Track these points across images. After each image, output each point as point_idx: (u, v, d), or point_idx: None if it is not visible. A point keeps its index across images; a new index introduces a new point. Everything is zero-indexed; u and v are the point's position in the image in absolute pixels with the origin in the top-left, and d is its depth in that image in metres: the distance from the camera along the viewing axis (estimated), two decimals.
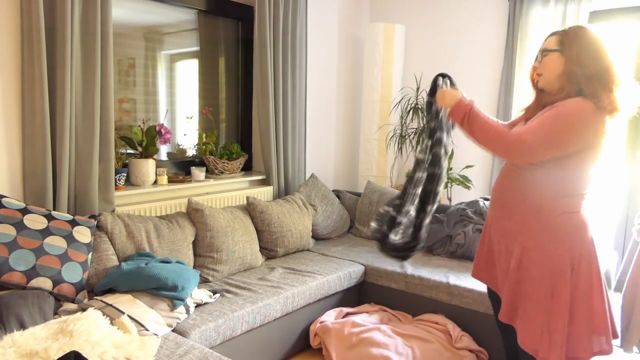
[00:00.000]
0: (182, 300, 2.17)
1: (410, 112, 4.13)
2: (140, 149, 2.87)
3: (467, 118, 1.87)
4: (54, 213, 2.25)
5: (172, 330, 2.11)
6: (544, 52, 1.83)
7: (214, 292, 2.47)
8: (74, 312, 2.00)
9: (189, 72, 3.38)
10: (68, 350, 1.55)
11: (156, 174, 2.93)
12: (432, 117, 2.07)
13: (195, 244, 2.76)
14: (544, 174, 1.78)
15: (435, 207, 2.13)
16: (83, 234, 2.26)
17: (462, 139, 4.13)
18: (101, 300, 2.07)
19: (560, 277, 1.77)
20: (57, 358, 1.51)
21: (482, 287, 2.66)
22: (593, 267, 1.79)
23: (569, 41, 1.75)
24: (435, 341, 2.54)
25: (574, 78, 1.73)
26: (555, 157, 1.72)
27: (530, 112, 1.95)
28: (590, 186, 1.81)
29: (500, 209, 1.93)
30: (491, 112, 3.95)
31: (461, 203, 3.39)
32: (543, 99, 1.88)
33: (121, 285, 2.16)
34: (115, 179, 2.71)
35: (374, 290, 3.07)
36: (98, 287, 2.22)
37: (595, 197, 1.87)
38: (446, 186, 3.85)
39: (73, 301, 2.13)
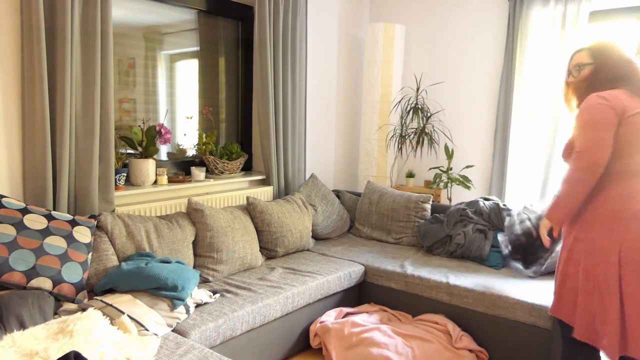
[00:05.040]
0: (182, 300, 2.17)
1: (410, 112, 4.13)
2: (140, 149, 2.87)
3: (554, 208, 1.98)
4: (54, 213, 2.25)
5: (172, 330, 2.11)
6: (580, 66, 2.05)
7: (214, 292, 2.47)
8: (74, 312, 2.00)
9: (189, 72, 3.38)
10: (68, 350, 1.55)
11: (156, 174, 2.93)
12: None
13: (195, 244, 2.76)
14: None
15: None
16: (83, 234, 2.26)
17: (462, 139, 4.14)
18: (101, 300, 2.07)
19: (607, 269, 1.83)
20: (57, 358, 1.51)
21: (482, 287, 2.66)
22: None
23: (599, 53, 2.01)
24: (435, 341, 2.54)
25: (596, 80, 1.99)
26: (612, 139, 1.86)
27: None
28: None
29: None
30: (491, 112, 3.95)
31: (461, 203, 3.40)
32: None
33: (121, 285, 2.16)
34: (115, 179, 2.71)
35: (374, 290, 3.07)
36: (98, 287, 2.22)
37: None
38: (445, 186, 3.86)
39: (73, 301, 2.13)
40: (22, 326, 1.78)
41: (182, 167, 3.28)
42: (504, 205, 3.23)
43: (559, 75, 3.50)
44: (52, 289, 2.07)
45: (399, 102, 4.14)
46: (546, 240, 2.06)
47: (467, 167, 3.97)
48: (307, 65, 3.88)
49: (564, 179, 1.92)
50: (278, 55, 3.46)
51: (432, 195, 3.85)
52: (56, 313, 2.02)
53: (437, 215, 3.42)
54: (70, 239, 2.20)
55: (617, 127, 1.85)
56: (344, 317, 2.81)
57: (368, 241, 3.59)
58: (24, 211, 2.16)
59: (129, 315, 1.98)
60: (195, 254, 2.75)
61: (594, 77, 1.99)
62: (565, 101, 2.19)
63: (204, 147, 3.28)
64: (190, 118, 3.35)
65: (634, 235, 1.81)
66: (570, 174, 1.89)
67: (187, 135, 3.36)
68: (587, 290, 1.88)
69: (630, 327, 1.79)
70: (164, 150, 3.27)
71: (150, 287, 2.15)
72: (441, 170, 3.88)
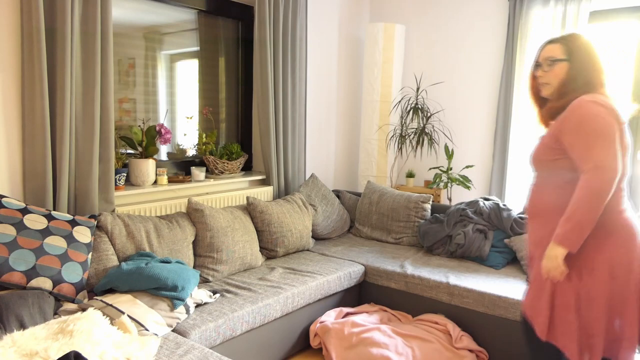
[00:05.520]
0: (182, 300, 2.17)
1: (410, 112, 4.13)
2: (140, 149, 2.87)
3: (573, 233, 1.72)
4: (54, 213, 2.25)
5: (172, 330, 2.11)
6: (552, 61, 1.86)
7: (214, 292, 2.47)
8: (74, 312, 2.00)
9: (189, 72, 3.38)
10: (68, 350, 1.55)
11: (156, 174, 2.93)
12: None
13: (195, 244, 2.76)
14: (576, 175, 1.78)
15: None
16: (83, 234, 2.26)
17: (462, 139, 4.13)
18: (101, 300, 2.07)
19: (599, 286, 1.72)
20: (57, 358, 1.51)
21: (482, 287, 2.66)
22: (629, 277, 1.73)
23: (575, 50, 1.83)
24: (435, 341, 2.54)
25: (576, 83, 1.82)
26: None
27: (545, 122, 1.98)
28: (624, 177, 1.76)
29: (535, 220, 1.90)
30: (491, 112, 3.95)
31: (461, 203, 3.40)
32: (546, 107, 1.93)
33: (121, 285, 2.16)
34: (115, 179, 2.71)
35: (374, 290, 3.07)
36: (98, 287, 2.22)
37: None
38: (445, 186, 3.86)
39: (73, 301, 2.14)
40: (22, 326, 1.78)
41: (182, 167, 3.28)
42: (504, 205, 3.23)
43: None
44: (52, 289, 2.07)
45: (399, 102, 4.14)
46: (565, 270, 1.75)
47: (467, 167, 3.97)
48: (307, 65, 3.88)
49: (581, 196, 1.67)
50: (278, 55, 3.46)
51: (432, 195, 3.85)
52: (56, 313, 2.02)
53: (437, 215, 3.42)
54: (70, 239, 2.20)
55: None
56: (344, 317, 2.81)
57: (368, 241, 3.59)
58: (24, 211, 2.16)
59: (129, 315, 1.98)
60: (195, 254, 2.75)
61: (570, 78, 1.82)
62: (531, 95, 2.00)
63: (204, 147, 3.28)
64: (190, 118, 3.35)
65: (623, 249, 1.72)
66: (590, 191, 1.65)
67: (187, 135, 3.36)
68: (582, 308, 1.76)
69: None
70: (164, 150, 3.27)
71: (150, 287, 2.15)
72: (441, 170, 3.88)
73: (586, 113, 1.71)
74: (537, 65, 1.92)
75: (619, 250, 1.73)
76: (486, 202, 3.29)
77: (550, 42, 1.88)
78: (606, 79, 1.82)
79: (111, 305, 2.03)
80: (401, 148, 4.13)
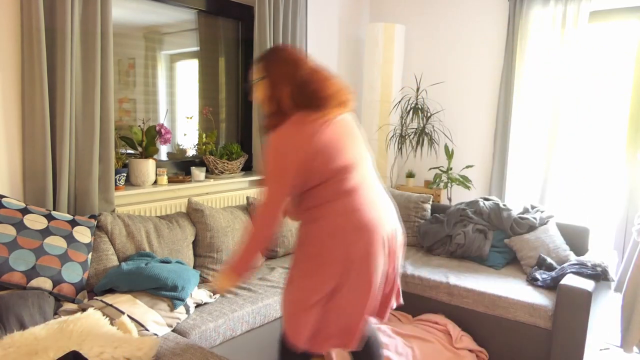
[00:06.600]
0: (182, 300, 2.17)
1: (410, 112, 4.14)
2: (140, 149, 2.87)
3: (243, 264, 1.79)
4: (54, 213, 2.25)
5: (172, 331, 2.11)
6: (254, 81, 1.86)
7: (214, 292, 2.47)
8: (74, 312, 2.00)
9: (189, 72, 3.38)
10: (68, 350, 1.55)
11: (156, 174, 2.93)
12: None
13: (195, 244, 2.76)
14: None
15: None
16: (83, 234, 2.26)
17: (462, 139, 4.13)
18: (101, 300, 2.07)
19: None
20: (57, 358, 1.51)
21: (482, 287, 2.66)
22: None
23: (269, 67, 1.80)
24: (435, 341, 2.54)
25: (279, 98, 1.78)
26: (300, 184, 1.74)
27: None
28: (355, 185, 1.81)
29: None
30: (491, 112, 3.95)
31: (461, 203, 3.40)
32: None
33: (121, 285, 2.16)
34: (115, 179, 2.71)
35: None
36: (98, 287, 2.22)
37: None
38: (445, 186, 3.86)
39: (73, 301, 2.14)
40: (22, 326, 1.78)
41: (182, 167, 3.28)
42: (504, 205, 3.23)
43: (559, 75, 3.50)
44: (52, 289, 2.07)
45: (399, 102, 4.14)
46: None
47: (467, 167, 3.97)
48: None
49: (249, 231, 1.74)
50: None
51: (432, 195, 3.85)
52: (56, 313, 2.02)
53: (437, 215, 3.42)
54: (70, 239, 2.20)
55: None
56: None
57: None
58: (24, 211, 2.16)
59: (129, 315, 1.98)
60: (195, 254, 2.75)
61: (268, 96, 1.79)
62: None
63: (204, 147, 3.28)
64: (190, 118, 3.35)
65: (352, 246, 1.74)
66: (256, 229, 1.73)
67: (187, 135, 3.36)
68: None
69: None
70: (164, 150, 3.27)
71: (150, 287, 2.15)
72: (441, 170, 3.88)
73: (271, 147, 1.71)
74: None
75: (349, 247, 1.72)
76: (486, 202, 3.29)
77: (254, 61, 1.88)
78: (314, 90, 1.76)
79: (111, 305, 2.03)
80: (401, 148, 4.13)
